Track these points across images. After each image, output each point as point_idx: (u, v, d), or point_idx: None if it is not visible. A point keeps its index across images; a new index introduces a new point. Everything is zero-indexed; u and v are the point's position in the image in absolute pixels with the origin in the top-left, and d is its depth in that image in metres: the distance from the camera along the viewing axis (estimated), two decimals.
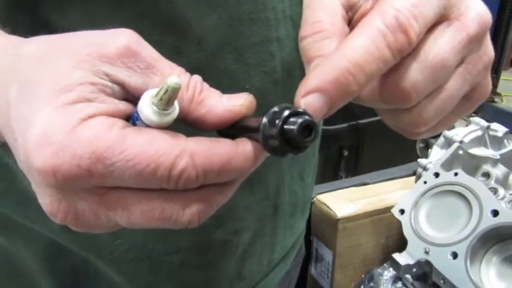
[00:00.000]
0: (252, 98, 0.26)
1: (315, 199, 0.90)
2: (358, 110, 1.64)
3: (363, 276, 0.83)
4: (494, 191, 0.72)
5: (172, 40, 0.33)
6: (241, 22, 0.36)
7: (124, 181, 0.22)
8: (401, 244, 0.77)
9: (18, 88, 0.23)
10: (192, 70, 0.36)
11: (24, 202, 0.39)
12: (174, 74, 0.24)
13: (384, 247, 0.89)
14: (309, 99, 0.24)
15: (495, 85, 3.05)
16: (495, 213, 0.62)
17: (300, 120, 0.21)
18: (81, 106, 0.22)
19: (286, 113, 0.22)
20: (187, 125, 0.25)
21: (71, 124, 0.21)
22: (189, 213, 0.23)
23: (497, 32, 2.88)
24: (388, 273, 0.78)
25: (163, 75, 0.24)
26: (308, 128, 0.21)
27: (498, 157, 0.78)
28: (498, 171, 0.77)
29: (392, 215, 0.75)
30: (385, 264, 0.80)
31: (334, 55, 0.24)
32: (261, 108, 0.41)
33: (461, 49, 0.26)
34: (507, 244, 0.62)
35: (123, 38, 0.24)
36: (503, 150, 0.80)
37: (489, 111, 2.94)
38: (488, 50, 0.28)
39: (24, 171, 0.23)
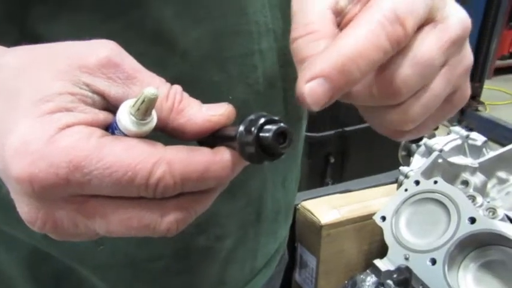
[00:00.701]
0: (232, 108, 0.27)
1: (299, 205, 0.91)
2: (345, 117, 1.67)
3: (346, 282, 0.84)
4: (473, 198, 0.73)
5: (157, 52, 0.34)
6: (225, 35, 0.37)
7: (102, 189, 0.22)
8: (383, 250, 0.78)
9: (4, 97, 0.23)
10: (176, 81, 0.36)
11: (4, 209, 0.39)
12: (153, 85, 0.25)
13: (367, 253, 0.90)
14: (313, 84, 0.24)
15: (479, 94, 3.11)
16: (472, 220, 0.64)
17: (274, 128, 0.22)
18: (59, 115, 0.22)
19: (262, 120, 0.22)
20: (167, 134, 0.26)
21: (49, 133, 0.21)
22: (167, 222, 0.23)
23: (480, 41, 2.94)
24: (371, 279, 0.79)
25: (143, 85, 0.24)
26: (283, 135, 0.22)
27: (477, 165, 0.80)
28: (476, 179, 0.79)
29: (375, 222, 0.76)
30: (368, 270, 0.81)
31: (337, 43, 0.25)
32: (240, 114, 0.41)
33: (446, 50, 0.27)
34: (484, 251, 0.64)
35: (104, 49, 0.24)
36: (482, 159, 0.82)
37: (473, 119, 3.01)
38: (468, 54, 0.30)
39: (3, 180, 0.24)
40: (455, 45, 0.28)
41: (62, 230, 0.23)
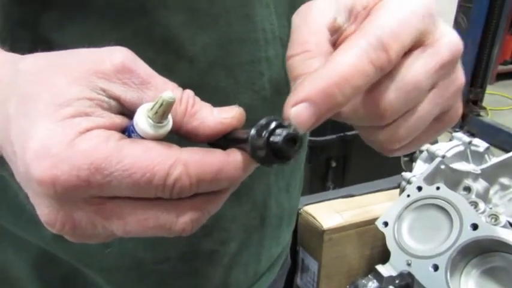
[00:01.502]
0: (242, 111, 0.28)
1: (301, 210, 0.91)
2: None
3: (347, 287, 0.84)
4: (475, 205, 0.74)
5: (166, 59, 0.35)
6: (232, 42, 0.37)
7: (121, 190, 0.23)
8: (386, 255, 0.78)
9: (16, 102, 0.24)
10: (183, 87, 0.37)
11: (16, 211, 0.40)
12: (167, 89, 0.26)
13: (369, 258, 0.90)
14: (298, 108, 0.25)
15: (481, 99, 3.11)
16: (475, 226, 0.64)
17: (285, 132, 0.23)
18: (79, 120, 0.23)
19: (273, 125, 0.23)
20: (181, 136, 0.27)
21: (70, 137, 0.22)
22: (182, 222, 0.24)
23: (482, 47, 2.94)
24: (373, 284, 0.79)
25: (157, 90, 0.25)
26: (293, 139, 0.23)
27: (479, 172, 0.80)
28: (479, 185, 0.79)
29: (377, 227, 0.76)
30: (369, 275, 0.81)
31: (323, 69, 0.26)
32: (249, 123, 0.42)
33: (434, 74, 0.28)
34: (486, 257, 0.64)
35: (119, 56, 0.25)
36: (484, 165, 0.82)
37: (475, 124, 3.01)
38: (459, 75, 0.30)
39: (23, 184, 0.24)
40: (444, 69, 0.28)
41: (80, 231, 0.24)
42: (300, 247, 0.94)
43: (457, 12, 3.80)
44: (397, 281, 0.67)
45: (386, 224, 0.74)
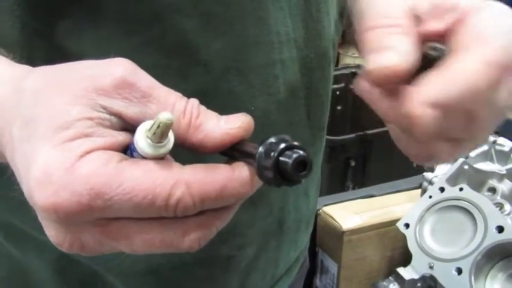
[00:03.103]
0: (250, 119, 0.27)
1: (320, 211, 0.90)
2: (366, 120, 1.65)
3: None
4: (500, 206, 0.72)
5: (179, 64, 0.35)
6: (246, 46, 0.37)
7: (123, 213, 0.22)
8: (406, 257, 0.77)
9: (19, 125, 0.24)
10: (197, 93, 0.37)
11: (35, 216, 0.40)
12: (170, 101, 0.25)
13: (390, 260, 0.89)
14: (428, 111, 0.25)
15: None
16: (500, 229, 0.62)
17: (295, 155, 0.21)
18: (79, 142, 0.22)
19: (282, 146, 0.22)
20: (187, 149, 0.26)
21: (69, 161, 0.22)
22: (188, 240, 0.24)
23: None
24: (394, 286, 0.78)
25: (160, 102, 0.25)
26: (303, 163, 0.22)
27: (504, 172, 0.77)
28: (504, 186, 0.77)
29: (398, 228, 0.75)
30: (390, 278, 0.80)
31: (454, 77, 0.25)
32: (264, 128, 0.42)
33: None
34: None
35: (118, 70, 0.24)
36: (510, 165, 0.80)
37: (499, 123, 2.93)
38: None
39: (32, 204, 0.24)
40: None
41: (88, 250, 0.24)
42: (319, 248, 0.93)
43: None
44: (419, 284, 0.66)
45: (407, 225, 0.73)
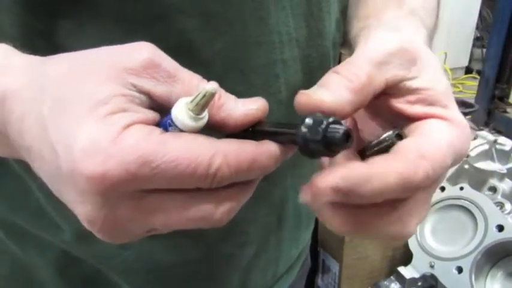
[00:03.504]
0: (265, 102, 0.28)
1: None
2: None
3: None
4: (501, 205, 0.72)
5: (181, 63, 0.35)
6: (247, 46, 0.37)
7: (166, 183, 0.23)
8: (407, 257, 0.77)
9: (51, 104, 0.24)
10: None
11: (38, 215, 0.41)
12: (194, 82, 0.26)
13: (391, 259, 0.89)
14: (320, 191, 0.25)
15: (507, 95, 3.02)
16: (500, 228, 0.63)
17: (342, 128, 0.23)
18: (118, 116, 0.23)
19: (331, 120, 0.23)
20: (209, 128, 0.27)
21: (114, 133, 0.23)
22: (221, 211, 0.25)
23: (508, 41, 2.86)
24: (395, 285, 0.78)
25: (184, 83, 0.26)
26: (348, 134, 0.23)
27: (505, 171, 0.78)
28: (505, 185, 0.77)
29: None
30: (391, 277, 0.80)
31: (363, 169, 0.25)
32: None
33: None
34: None
35: (145, 51, 0.26)
36: (511, 165, 0.80)
37: (501, 122, 2.91)
38: None
39: (61, 184, 0.24)
40: None
41: (120, 228, 0.24)
42: (320, 248, 0.94)
43: (482, 6, 3.71)
44: (419, 283, 0.66)
45: None
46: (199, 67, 0.37)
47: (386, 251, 0.89)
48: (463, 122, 0.27)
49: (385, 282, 0.80)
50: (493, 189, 0.76)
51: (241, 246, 0.46)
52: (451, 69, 3.96)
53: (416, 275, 0.66)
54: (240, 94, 0.40)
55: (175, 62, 0.26)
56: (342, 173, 0.24)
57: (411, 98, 0.27)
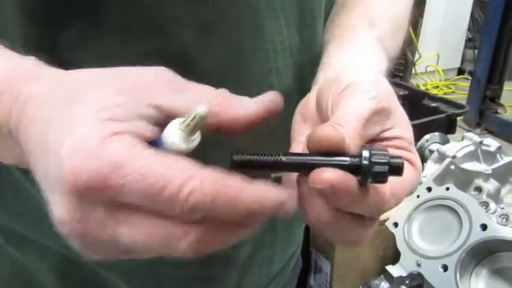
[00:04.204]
0: (280, 96, 0.29)
1: None
2: None
3: (360, 287, 0.85)
4: (486, 205, 0.74)
5: (180, 73, 0.36)
6: (243, 55, 0.39)
7: (135, 196, 0.23)
8: (398, 256, 0.79)
9: (62, 107, 0.26)
10: None
11: (38, 221, 0.42)
12: (202, 89, 0.28)
13: (382, 259, 0.91)
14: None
15: (498, 96, 3.05)
16: (484, 227, 0.65)
17: (399, 161, 0.26)
18: (110, 124, 0.24)
19: (390, 152, 0.26)
20: (219, 131, 0.28)
21: (102, 136, 0.24)
22: (186, 243, 0.24)
23: (500, 42, 2.89)
24: (385, 284, 0.81)
25: (193, 92, 0.28)
26: (402, 166, 0.26)
27: (490, 172, 0.80)
28: (490, 185, 0.80)
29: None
30: (382, 276, 0.83)
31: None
32: (260, 133, 0.43)
33: None
34: (496, 257, 0.65)
35: (161, 71, 0.28)
36: (495, 165, 0.83)
37: (492, 122, 2.96)
38: None
39: (49, 185, 0.25)
40: None
41: (90, 234, 0.24)
42: (312, 248, 0.96)
43: (473, 7, 3.74)
44: (407, 281, 0.68)
45: (396, 224, 0.75)
46: (196, 77, 0.38)
47: (377, 250, 0.91)
48: (420, 164, 0.31)
49: (376, 282, 0.82)
50: (479, 189, 0.79)
51: (236, 247, 0.48)
52: (444, 71, 3.99)
53: (404, 273, 0.68)
54: None
55: (184, 79, 0.28)
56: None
57: (385, 143, 0.30)
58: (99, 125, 0.24)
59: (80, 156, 0.23)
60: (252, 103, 0.28)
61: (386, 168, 0.25)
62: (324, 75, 0.38)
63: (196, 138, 0.25)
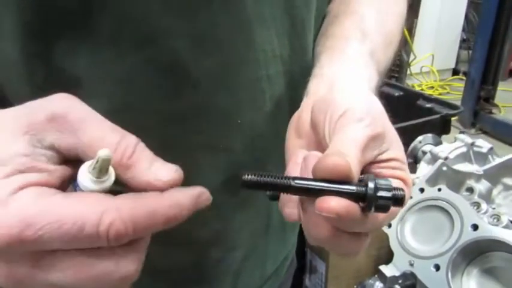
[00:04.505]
0: (180, 175, 0.27)
1: None
2: None
3: (355, 287, 0.86)
4: (477, 205, 0.75)
5: (172, 83, 0.37)
6: (234, 64, 0.39)
7: (56, 244, 0.23)
8: (391, 256, 0.80)
9: None
10: (189, 109, 0.39)
11: None
12: (100, 133, 0.25)
13: (376, 259, 0.92)
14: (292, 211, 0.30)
15: (492, 96, 3.07)
16: (475, 227, 0.66)
17: (401, 193, 0.27)
18: (13, 179, 0.23)
19: (394, 184, 0.27)
20: (123, 185, 0.26)
21: (3, 197, 0.23)
22: (124, 268, 0.24)
23: (493, 43, 2.91)
24: (379, 284, 0.82)
25: (91, 136, 0.25)
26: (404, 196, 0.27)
27: (481, 172, 0.81)
28: (481, 186, 0.81)
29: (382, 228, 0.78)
30: (376, 276, 0.84)
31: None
32: (253, 140, 0.44)
33: None
34: (487, 257, 0.66)
35: (50, 105, 0.26)
36: (487, 166, 0.84)
37: (487, 122, 2.98)
38: None
39: None
40: None
41: (23, 283, 0.24)
42: (307, 249, 0.97)
43: (468, 8, 3.77)
44: (400, 281, 0.69)
45: (389, 225, 0.76)
46: (188, 86, 0.39)
47: (371, 250, 0.92)
48: (411, 181, 0.33)
49: (370, 281, 0.83)
50: (470, 190, 0.80)
51: (230, 251, 0.48)
52: (439, 71, 4.01)
53: (397, 273, 0.69)
54: (227, 110, 0.43)
55: (88, 112, 0.26)
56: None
57: (382, 164, 0.31)
58: (1, 183, 0.23)
59: None
60: (147, 176, 0.26)
61: (390, 202, 0.27)
62: (316, 87, 0.39)
63: (109, 177, 0.25)
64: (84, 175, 0.25)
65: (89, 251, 0.24)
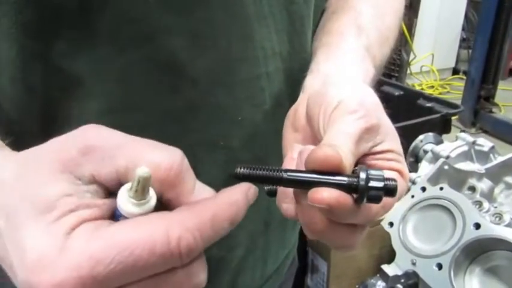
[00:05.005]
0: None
1: None
2: None
3: (357, 286, 0.86)
4: (479, 204, 0.75)
5: (170, 80, 0.37)
6: (232, 61, 0.39)
7: (131, 275, 0.22)
8: (393, 255, 0.80)
9: (5, 215, 0.24)
10: (186, 106, 0.39)
11: None
12: (138, 155, 0.24)
13: (377, 258, 0.92)
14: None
15: (493, 96, 3.07)
16: (477, 226, 0.66)
17: (393, 184, 0.27)
18: (64, 220, 0.22)
19: (386, 175, 0.27)
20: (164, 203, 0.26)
21: (60, 241, 0.22)
22: (196, 280, 0.24)
23: (493, 42, 2.91)
24: (382, 283, 0.81)
25: (129, 156, 0.24)
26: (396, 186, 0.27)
27: (483, 171, 0.81)
28: (483, 185, 0.81)
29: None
30: (378, 275, 0.83)
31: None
32: (253, 137, 0.44)
33: None
34: (489, 255, 0.66)
35: (80, 137, 0.24)
36: (489, 165, 0.83)
37: (487, 121, 2.98)
38: None
39: None
40: None
41: None
42: (309, 248, 0.96)
43: (467, 7, 3.77)
44: (402, 280, 0.69)
45: (391, 224, 0.76)
46: (186, 83, 0.39)
47: (373, 250, 0.92)
48: (407, 173, 0.32)
49: (372, 281, 0.83)
50: (472, 189, 0.80)
51: (230, 250, 0.48)
52: (439, 70, 4.01)
53: (399, 272, 0.69)
54: (225, 107, 0.43)
55: (122, 137, 0.25)
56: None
57: (377, 156, 0.31)
58: (49, 232, 0.22)
59: (47, 272, 0.21)
60: (189, 197, 0.25)
61: (381, 192, 0.26)
62: (311, 82, 0.39)
63: (151, 198, 0.24)
64: (126, 201, 0.23)
65: (166, 273, 0.23)
